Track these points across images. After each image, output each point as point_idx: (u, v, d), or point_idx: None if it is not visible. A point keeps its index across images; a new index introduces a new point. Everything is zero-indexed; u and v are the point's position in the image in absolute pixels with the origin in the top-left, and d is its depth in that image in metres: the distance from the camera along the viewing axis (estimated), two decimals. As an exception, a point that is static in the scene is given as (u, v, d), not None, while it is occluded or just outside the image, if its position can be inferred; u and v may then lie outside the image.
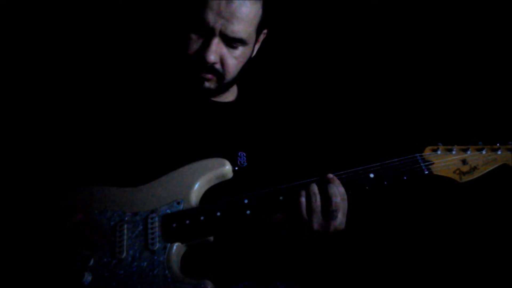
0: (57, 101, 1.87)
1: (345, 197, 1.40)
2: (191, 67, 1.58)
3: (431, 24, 2.09)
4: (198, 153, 1.51)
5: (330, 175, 1.41)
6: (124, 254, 1.41)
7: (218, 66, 1.58)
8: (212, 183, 1.49)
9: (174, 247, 1.41)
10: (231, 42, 1.56)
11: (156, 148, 1.60)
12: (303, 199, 1.38)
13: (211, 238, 1.43)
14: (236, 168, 1.59)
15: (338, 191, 1.38)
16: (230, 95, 1.76)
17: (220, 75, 1.60)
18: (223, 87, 1.66)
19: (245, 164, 1.62)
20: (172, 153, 1.56)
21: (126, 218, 1.46)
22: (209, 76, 1.59)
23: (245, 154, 1.63)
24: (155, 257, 1.39)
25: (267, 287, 1.59)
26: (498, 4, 1.99)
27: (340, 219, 1.38)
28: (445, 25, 2.08)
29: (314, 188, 1.38)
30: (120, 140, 1.61)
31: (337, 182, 1.40)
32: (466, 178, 1.44)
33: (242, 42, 1.57)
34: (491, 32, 2.03)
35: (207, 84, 1.61)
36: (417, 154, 1.47)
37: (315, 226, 1.37)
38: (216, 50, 1.55)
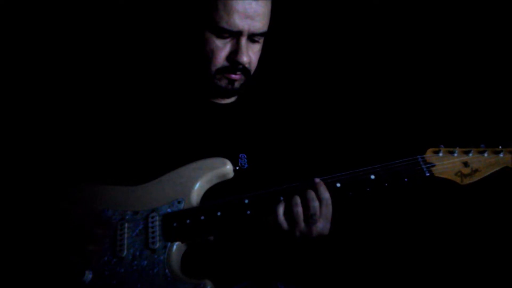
0: (59, 100, 1.88)
1: (329, 202, 1.39)
2: (221, 70, 1.57)
3: (433, 25, 2.08)
4: (199, 154, 1.51)
5: (317, 180, 1.41)
6: (125, 252, 1.41)
7: (247, 64, 1.58)
8: (213, 183, 1.49)
9: (175, 246, 1.41)
10: (255, 37, 1.56)
11: (157, 148, 1.60)
12: (280, 210, 1.38)
13: (212, 238, 1.44)
14: (237, 168, 1.59)
15: (319, 196, 1.38)
16: None
17: (247, 72, 1.60)
18: (246, 84, 1.65)
19: (246, 166, 1.62)
20: (173, 154, 1.56)
21: (127, 217, 1.46)
22: (238, 76, 1.59)
23: (246, 156, 1.63)
24: (156, 256, 1.40)
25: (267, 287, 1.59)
26: (499, 4, 1.99)
27: (322, 224, 1.39)
28: (448, 26, 2.07)
29: (296, 199, 1.39)
30: (122, 140, 1.61)
31: (321, 188, 1.40)
32: (467, 181, 1.44)
33: (264, 35, 1.58)
34: (494, 34, 2.03)
35: (236, 84, 1.61)
36: (419, 156, 1.46)
37: (297, 233, 1.39)
38: (247, 50, 1.55)
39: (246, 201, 1.43)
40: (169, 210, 1.45)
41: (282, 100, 1.78)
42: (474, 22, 2.03)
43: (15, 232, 1.44)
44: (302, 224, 1.38)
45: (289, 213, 1.38)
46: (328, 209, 1.39)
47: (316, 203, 1.38)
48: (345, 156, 1.73)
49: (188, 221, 1.43)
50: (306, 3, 2.11)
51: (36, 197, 1.49)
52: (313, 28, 2.14)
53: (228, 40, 1.55)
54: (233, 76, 1.59)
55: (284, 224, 1.39)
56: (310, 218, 1.38)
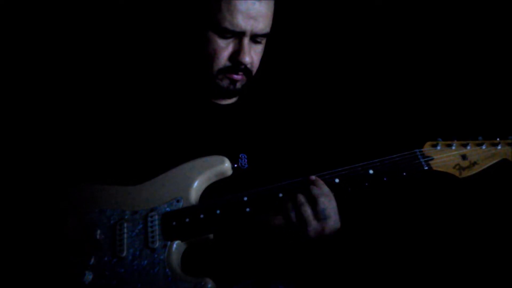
0: (59, 100, 1.87)
1: (331, 196, 1.39)
2: (223, 70, 1.57)
3: (430, 21, 2.09)
4: (199, 154, 1.50)
5: (312, 177, 1.42)
6: (125, 252, 1.41)
7: (249, 65, 1.58)
8: (211, 181, 1.49)
9: (174, 245, 1.41)
10: (257, 38, 1.56)
11: (158, 149, 1.60)
12: (292, 214, 1.37)
13: (211, 236, 1.43)
14: (236, 165, 1.59)
15: (321, 191, 1.38)
16: None
17: (249, 73, 1.60)
18: (248, 84, 1.65)
19: (246, 166, 1.62)
20: (174, 154, 1.56)
21: (126, 217, 1.46)
22: (240, 77, 1.59)
23: (246, 156, 1.63)
24: (156, 256, 1.40)
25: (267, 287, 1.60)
26: (498, 3, 1.99)
27: (333, 218, 1.38)
28: (445, 22, 2.08)
29: (301, 198, 1.38)
30: (122, 140, 1.61)
31: (320, 182, 1.40)
32: (466, 174, 1.45)
33: (266, 36, 1.58)
34: (490, 29, 2.03)
35: (238, 84, 1.61)
36: (417, 150, 1.47)
37: (311, 232, 1.37)
38: (249, 51, 1.55)
39: (245, 198, 1.43)
40: (168, 209, 1.45)
41: (282, 101, 1.79)
42: (470, 17, 2.04)
43: (15, 232, 1.44)
44: (313, 222, 1.37)
45: (297, 215, 1.37)
46: (331, 202, 1.39)
47: (324, 198, 1.37)
48: (344, 152, 1.73)
49: (187, 219, 1.42)
50: (308, 5, 2.11)
51: (36, 197, 1.49)
52: (313, 29, 2.14)
53: (230, 40, 1.55)
54: (235, 76, 1.59)
55: (295, 227, 1.37)
56: (321, 213, 1.36)
